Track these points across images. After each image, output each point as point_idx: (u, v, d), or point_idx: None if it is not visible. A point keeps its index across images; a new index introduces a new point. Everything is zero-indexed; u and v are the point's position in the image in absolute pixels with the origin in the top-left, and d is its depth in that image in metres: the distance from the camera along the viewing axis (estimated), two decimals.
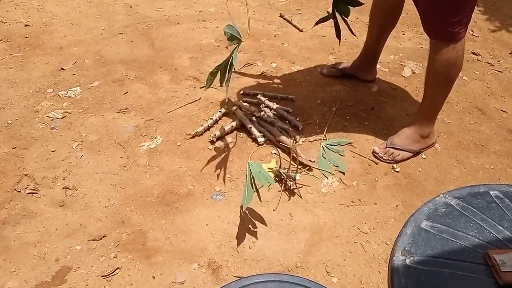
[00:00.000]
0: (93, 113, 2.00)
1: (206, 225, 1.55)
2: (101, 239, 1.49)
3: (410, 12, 2.72)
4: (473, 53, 2.50)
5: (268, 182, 1.49)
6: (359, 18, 2.77)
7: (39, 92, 2.11)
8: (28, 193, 1.63)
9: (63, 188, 1.65)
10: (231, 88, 2.14)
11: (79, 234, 1.50)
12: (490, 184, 1.00)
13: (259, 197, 1.51)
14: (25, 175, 1.70)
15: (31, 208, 1.58)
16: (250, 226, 1.55)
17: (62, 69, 2.26)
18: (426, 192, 1.68)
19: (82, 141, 1.85)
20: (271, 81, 2.21)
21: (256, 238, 1.51)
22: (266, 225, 1.55)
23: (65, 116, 1.97)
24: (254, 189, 1.48)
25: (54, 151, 1.80)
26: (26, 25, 2.57)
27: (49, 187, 1.66)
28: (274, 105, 1.96)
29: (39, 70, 2.25)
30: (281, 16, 2.77)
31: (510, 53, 2.52)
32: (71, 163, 1.75)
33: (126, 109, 2.02)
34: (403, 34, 2.66)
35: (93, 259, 1.43)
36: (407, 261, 0.84)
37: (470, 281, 0.79)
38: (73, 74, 2.22)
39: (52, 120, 1.95)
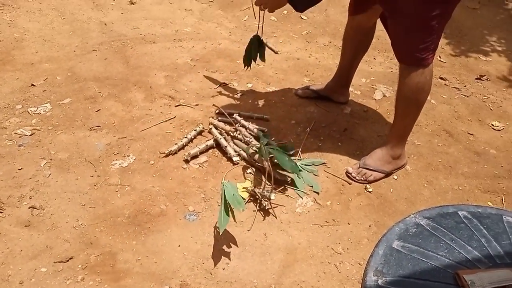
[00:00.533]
0: (63, 130, 1.95)
1: (179, 246, 1.51)
2: (68, 261, 1.43)
3: (380, 37, 2.81)
4: (441, 78, 2.60)
5: (241, 208, 1.48)
6: (332, 42, 2.85)
7: (8, 108, 2.05)
8: None
9: (30, 207, 1.59)
10: (206, 107, 2.14)
11: (45, 256, 1.44)
12: (459, 205, 1.03)
13: (234, 218, 1.49)
14: None
15: None
16: (224, 247, 1.52)
17: (32, 85, 2.20)
18: (398, 212, 1.71)
19: (51, 159, 1.80)
20: (247, 101, 2.23)
21: (230, 259, 1.49)
22: (240, 246, 1.53)
23: (33, 133, 1.92)
24: (230, 210, 1.46)
25: (21, 169, 1.74)
26: None
27: (15, 206, 1.59)
28: (249, 125, 1.97)
29: (9, 86, 2.19)
30: None
31: (476, 79, 2.63)
32: (39, 182, 1.69)
33: (98, 126, 1.98)
34: (374, 58, 2.74)
35: (59, 282, 1.37)
36: (379, 281, 0.84)
37: None
38: (44, 91, 2.18)
39: (20, 137, 1.89)
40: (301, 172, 1.80)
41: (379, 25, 1.81)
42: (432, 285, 0.83)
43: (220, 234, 1.45)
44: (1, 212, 1.57)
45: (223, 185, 1.50)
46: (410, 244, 0.92)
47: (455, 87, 2.53)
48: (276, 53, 2.67)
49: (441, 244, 0.91)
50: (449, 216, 0.98)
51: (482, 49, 2.96)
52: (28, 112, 2.03)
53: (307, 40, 2.86)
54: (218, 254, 1.50)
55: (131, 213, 1.61)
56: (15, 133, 1.91)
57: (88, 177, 1.74)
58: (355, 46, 2.00)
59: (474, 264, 0.87)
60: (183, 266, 1.45)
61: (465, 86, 2.56)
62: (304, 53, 2.71)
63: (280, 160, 1.68)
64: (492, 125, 2.25)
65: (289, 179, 1.78)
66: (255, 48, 1.93)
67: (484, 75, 2.65)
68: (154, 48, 2.59)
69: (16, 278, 1.37)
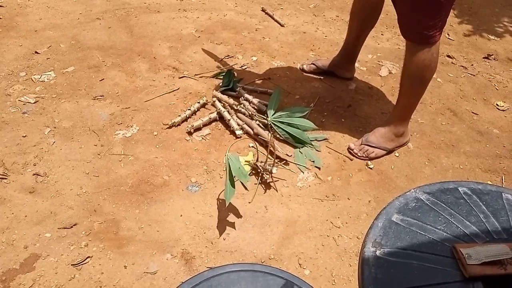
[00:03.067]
0: (67, 99, 1.95)
1: (181, 216, 1.54)
2: (72, 227, 1.46)
3: (389, 13, 2.77)
4: (448, 56, 2.56)
5: (246, 179, 1.52)
6: (340, 16, 2.80)
7: (12, 75, 2.04)
8: None
9: (34, 174, 1.61)
10: (210, 80, 2.13)
11: (49, 222, 1.47)
12: (459, 181, 1.03)
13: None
14: None
15: (0, 193, 1.53)
16: (225, 217, 1.55)
17: (36, 52, 2.19)
18: (398, 189, 1.72)
19: (55, 127, 1.81)
20: (251, 75, 2.21)
21: (231, 229, 1.51)
22: (241, 217, 1.55)
23: (37, 101, 1.92)
24: (236, 179, 1.49)
25: (25, 136, 1.75)
26: (0, 6, 2.48)
27: (19, 173, 1.61)
28: (253, 99, 1.96)
29: (12, 53, 2.18)
30: (263, 10, 2.76)
31: (484, 58, 2.59)
32: (43, 149, 1.71)
33: (101, 96, 1.98)
34: (382, 34, 2.70)
35: (63, 247, 1.40)
36: (377, 252, 0.86)
37: (437, 273, 0.82)
38: (47, 58, 2.16)
39: (24, 104, 1.90)
40: (303, 147, 1.81)
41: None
42: (429, 257, 0.84)
43: (226, 205, 1.47)
44: (6, 178, 1.59)
45: (227, 157, 1.51)
46: (409, 218, 0.93)
47: (462, 66, 2.50)
48: (282, 26, 2.63)
49: (439, 219, 0.92)
50: (449, 192, 0.99)
51: (492, 28, 2.91)
52: (32, 80, 2.03)
53: (314, 14, 2.81)
54: (219, 224, 1.52)
55: (134, 182, 1.63)
56: (19, 100, 1.91)
57: (92, 146, 1.75)
58: (362, 21, 1.97)
59: (472, 239, 0.88)
60: (185, 235, 1.48)
61: (472, 65, 2.52)
62: (310, 27, 2.67)
63: (293, 132, 1.78)
64: (497, 105, 2.23)
65: (291, 154, 1.79)
66: None
67: (492, 55, 2.61)
68: (159, 17, 2.55)
69: (21, 243, 1.40)
